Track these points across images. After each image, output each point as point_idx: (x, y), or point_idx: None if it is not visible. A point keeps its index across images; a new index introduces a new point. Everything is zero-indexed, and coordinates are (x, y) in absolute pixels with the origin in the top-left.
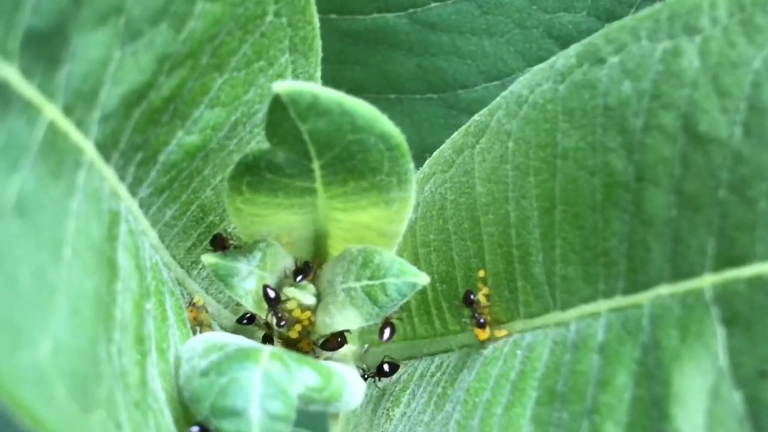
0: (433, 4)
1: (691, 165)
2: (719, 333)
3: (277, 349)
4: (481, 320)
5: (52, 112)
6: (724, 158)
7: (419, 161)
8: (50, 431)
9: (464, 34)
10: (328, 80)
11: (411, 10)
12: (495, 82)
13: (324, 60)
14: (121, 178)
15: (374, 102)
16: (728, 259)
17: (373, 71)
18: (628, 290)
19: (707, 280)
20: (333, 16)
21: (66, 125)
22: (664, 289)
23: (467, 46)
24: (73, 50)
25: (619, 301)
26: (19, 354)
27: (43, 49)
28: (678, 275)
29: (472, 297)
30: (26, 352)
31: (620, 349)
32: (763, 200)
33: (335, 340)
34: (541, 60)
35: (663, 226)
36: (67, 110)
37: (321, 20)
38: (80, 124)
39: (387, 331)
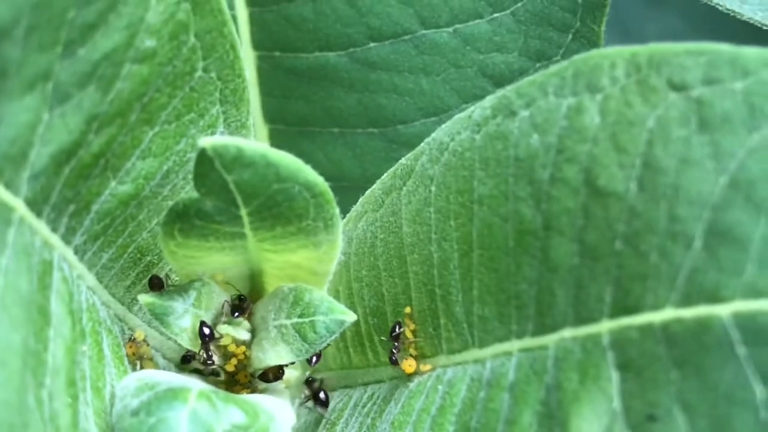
0: (371, 44)
1: (592, 217)
2: (614, 377)
3: (206, 388)
4: (393, 358)
5: None
6: (620, 211)
7: (360, 192)
8: None
9: (402, 72)
10: (274, 114)
11: (351, 50)
12: (432, 118)
13: (269, 95)
14: (54, 229)
15: (318, 135)
16: (623, 307)
17: (317, 106)
18: (537, 332)
19: (605, 326)
20: (277, 53)
21: None
22: (568, 333)
23: (405, 84)
24: (0, 117)
25: (529, 342)
26: None
27: None
28: (580, 320)
29: (397, 329)
30: None
31: (527, 389)
32: (654, 253)
33: (272, 374)
34: (475, 97)
35: (567, 273)
36: None
37: (266, 57)
38: (9, 185)
39: (314, 358)
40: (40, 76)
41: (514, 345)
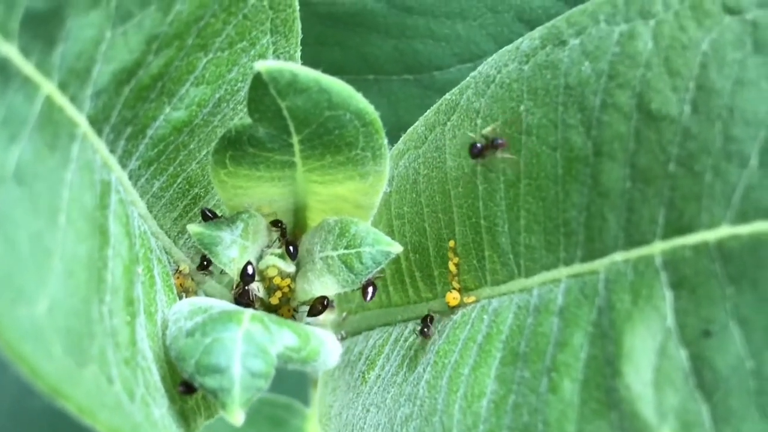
0: None
1: (644, 140)
2: (667, 296)
3: (258, 312)
4: (425, 330)
5: (48, 87)
6: (674, 134)
7: (395, 139)
8: (47, 383)
9: (439, 17)
10: (309, 62)
11: None
12: (468, 64)
13: (304, 42)
14: (112, 150)
15: (353, 82)
16: (677, 227)
17: (352, 53)
18: (586, 258)
19: (657, 248)
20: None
21: (61, 100)
22: (619, 256)
23: (442, 30)
24: (67, 31)
25: (578, 268)
26: (18, 311)
27: (41, 30)
28: (631, 243)
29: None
30: (25, 310)
31: (578, 312)
32: (709, 173)
33: (318, 305)
34: (511, 42)
35: (618, 198)
36: (63, 86)
37: (302, 4)
38: (74, 100)
39: (369, 290)
40: None
41: (562, 272)
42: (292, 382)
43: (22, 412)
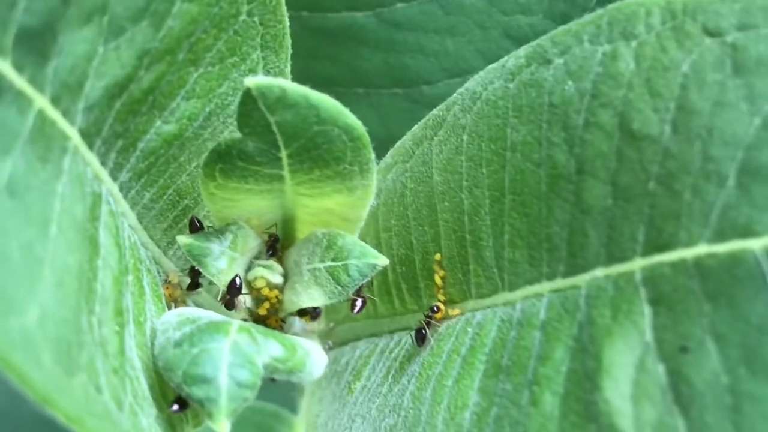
0: (399, 5)
1: (625, 159)
2: (646, 312)
3: (245, 323)
4: (421, 334)
5: (41, 101)
6: (654, 153)
7: (384, 152)
8: (37, 392)
9: (428, 33)
10: (300, 74)
11: (378, 10)
12: (456, 79)
13: (296, 55)
14: (103, 163)
15: (343, 95)
16: (656, 245)
17: (343, 66)
18: (568, 273)
19: (637, 264)
20: (305, 13)
21: (54, 114)
22: (600, 272)
23: (431, 45)
24: (60, 46)
25: (560, 283)
26: (9, 320)
27: (34, 45)
28: (612, 259)
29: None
30: (16, 319)
31: (559, 326)
32: (688, 192)
33: (311, 310)
34: (499, 58)
35: (599, 215)
36: (55, 100)
37: (293, 17)
38: (66, 113)
39: (358, 303)
40: (98, 8)
41: (544, 286)
42: (279, 390)
43: (14, 418)
